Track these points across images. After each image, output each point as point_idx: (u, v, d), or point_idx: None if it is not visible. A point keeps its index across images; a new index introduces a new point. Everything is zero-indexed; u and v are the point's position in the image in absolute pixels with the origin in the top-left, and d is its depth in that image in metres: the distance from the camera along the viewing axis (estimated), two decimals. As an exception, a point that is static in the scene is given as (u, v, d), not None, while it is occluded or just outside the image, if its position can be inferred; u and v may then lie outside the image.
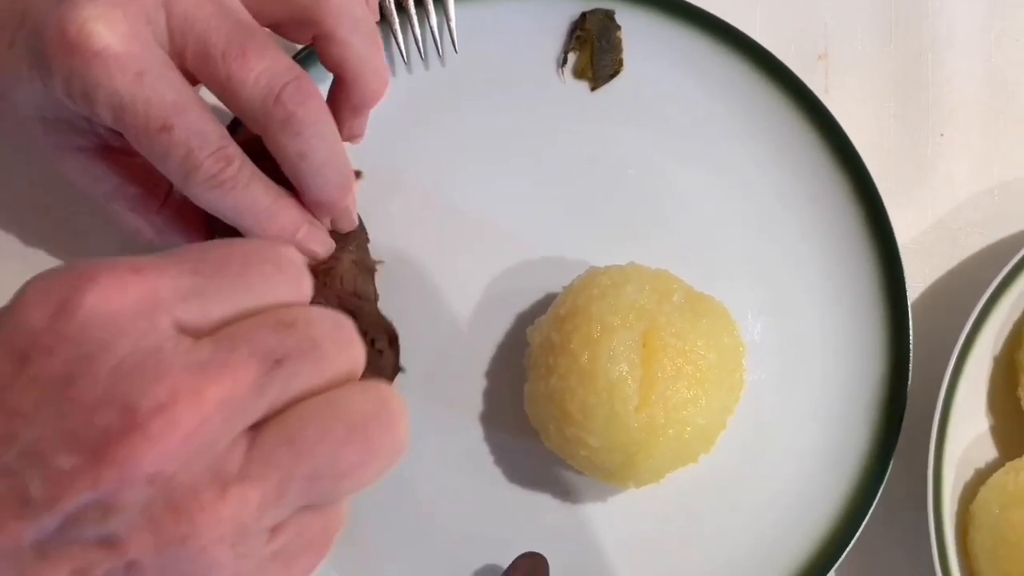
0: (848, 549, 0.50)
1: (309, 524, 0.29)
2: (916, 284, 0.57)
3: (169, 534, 0.25)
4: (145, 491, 0.25)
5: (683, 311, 0.48)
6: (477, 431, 0.53)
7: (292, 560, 0.30)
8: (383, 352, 0.49)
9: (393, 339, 0.49)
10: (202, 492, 0.26)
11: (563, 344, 0.47)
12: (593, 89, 0.57)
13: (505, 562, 0.50)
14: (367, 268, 0.50)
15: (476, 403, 0.53)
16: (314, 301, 0.45)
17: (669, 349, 0.46)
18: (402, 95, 0.56)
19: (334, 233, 0.49)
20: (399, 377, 0.48)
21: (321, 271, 0.47)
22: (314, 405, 0.28)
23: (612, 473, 0.48)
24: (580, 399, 0.46)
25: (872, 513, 0.51)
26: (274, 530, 0.28)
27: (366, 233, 0.51)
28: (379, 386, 0.30)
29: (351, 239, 0.50)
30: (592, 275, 0.50)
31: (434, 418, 0.52)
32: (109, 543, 0.25)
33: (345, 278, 0.48)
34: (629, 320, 0.47)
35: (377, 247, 0.51)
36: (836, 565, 0.50)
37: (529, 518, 0.52)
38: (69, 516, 0.25)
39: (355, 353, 0.30)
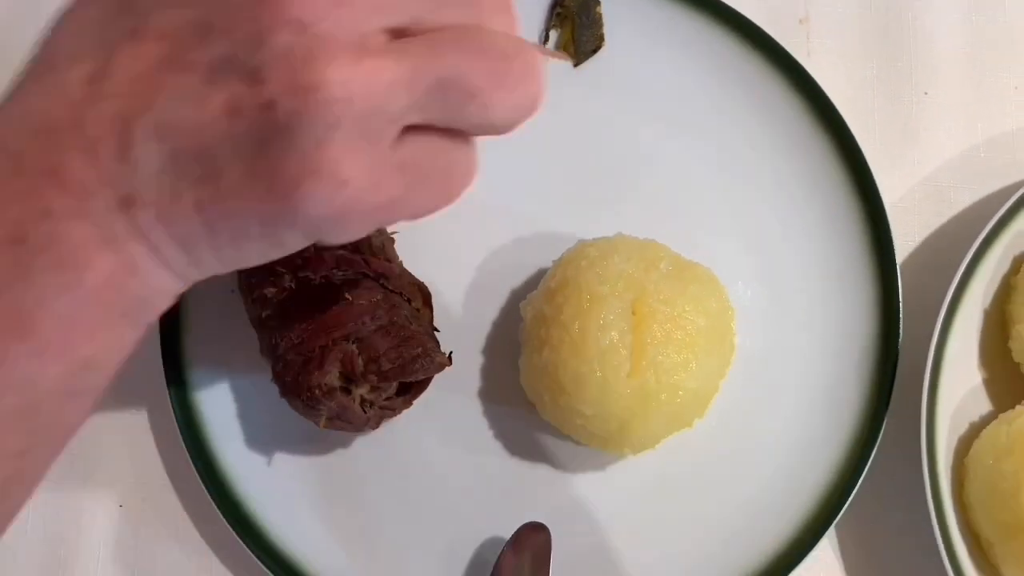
0: (845, 507, 0.51)
1: (436, 151, 0.30)
2: (906, 242, 0.57)
3: (303, 79, 0.26)
4: (289, 36, 0.26)
5: (671, 278, 0.48)
6: (475, 406, 0.54)
7: (415, 184, 0.30)
8: (420, 311, 0.50)
9: (427, 298, 0.51)
10: (340, 52, 0.26)
11: (554, 316, 0.48)
12: (576, 65, 0.58)
13: (507, 532, 0.50)
14: (388, 236, 0.52)
15: (474, 379, 0.54)
16: (343, 264, 0.47)
17: (658, 315, 0.47)
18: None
19: None
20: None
21: None
22: (458, 28, 0.29)
23: (607, 441, 0.49)
24: (572, 369, 0.47)
25: (868, 470, 0.51)
26: (401, 137, 0.28)
27: None
28: (528, 46, 0.30)
29: None
30: (581, 247, 0.51)
31: (433, 395, 0.52)
32: (254, 79, 0.27)
33: (374, 243, 0.50)
34: (618, 289, 0.47)
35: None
36: (834, 522, 0.51)
37: (529, 489, 0.53)
38: (234, 43, 0.27)
39: (510, 18, 0.31)
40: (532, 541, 0.50)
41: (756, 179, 0.56)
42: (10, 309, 0.29)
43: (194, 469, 0.51)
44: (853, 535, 0.54)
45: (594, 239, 0.51)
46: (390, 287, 0.49)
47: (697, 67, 0.57)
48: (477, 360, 0.55)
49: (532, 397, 0.51)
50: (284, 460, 0.53)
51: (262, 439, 0.53)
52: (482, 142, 0.32)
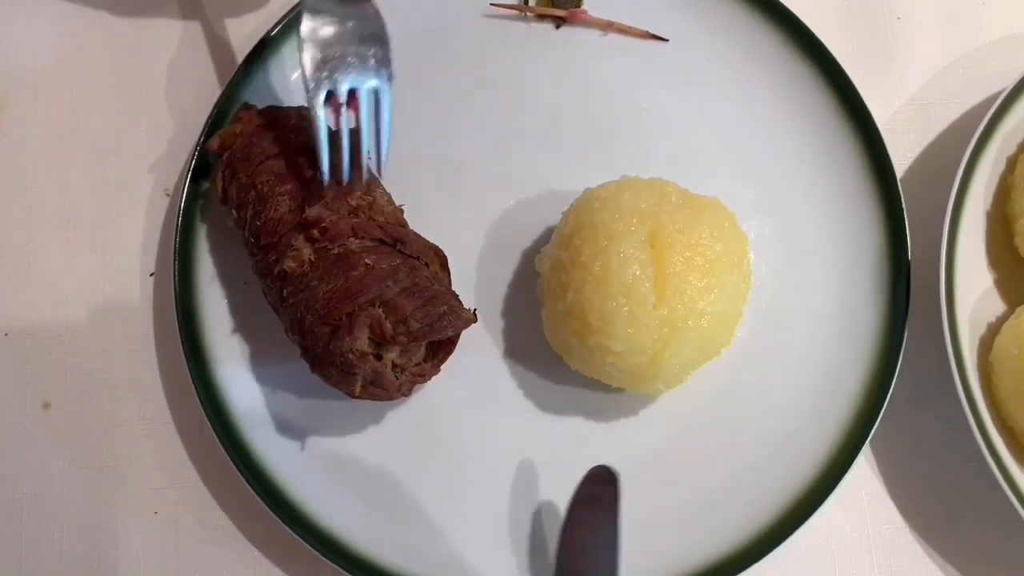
0: (878, 420, 0.51)
1: None
2: (900, 161, 0.58)
3: None
4: None
5: (683, 209, 0.49)
6: (502, 369, 0.54)
7: None
8: (438, 274, 0.50)
9: (444, 261, 0.51)
10: None
11: (573, 259, 0.48)
12: (558, 27, 0.59)
13: (546, 490, 0.51)
14: (398, 206, 0.52)
15: (497, 343, 0.54)
16: (360, 231, 0.48)
17: (677, 244, 0.47)
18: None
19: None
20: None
21: (365, 205, 0.49)
22: None
23: (640, 377, 0.49)
24: (598, 307, 0.47)
25: (895, 385, 0.52)
26: None
27: None
28: None
29: (376, 183, 0.52)
30: (590, 193, 0.51)
31: (460, 363, 0.52)
32: None
33: (386, 210, 0.50)
34: (633, 224, 0.48)
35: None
36: (869, 438, 0.51)
37: (566, 443, 0.53)
38: None
39: None
40: (599, 489, 0.47)
41: (751, 116, 0.57)
42: None
43: (232, 463, 0.51)
44: (889, 451, 0.54)
45: (600, 185, 0.52)
46: (407, 252, 0.49)
47: (679, 15, 0.58)
48: (498, 324, 0.55)
49: (558, 348, 0.51)
50: (318, 442, 0.52)
51: (293, 425, 0.52)
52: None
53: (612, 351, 0.47)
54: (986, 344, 0.53)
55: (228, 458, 0.51)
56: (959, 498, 0.54)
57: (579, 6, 0.59)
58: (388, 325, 0.46)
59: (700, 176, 0.55)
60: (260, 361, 0.53)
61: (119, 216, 0.58)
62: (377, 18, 0.49)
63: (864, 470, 0.54)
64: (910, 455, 0.54)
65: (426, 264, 0.50)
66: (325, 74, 0.48)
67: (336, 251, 0.48)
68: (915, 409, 0.55)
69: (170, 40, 0.60)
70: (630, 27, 0.58)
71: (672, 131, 0.57)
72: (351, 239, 0.48)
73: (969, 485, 0.53)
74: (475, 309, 0.50)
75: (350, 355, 0.46)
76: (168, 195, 0.58)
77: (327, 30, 0.48)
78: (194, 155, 0.54)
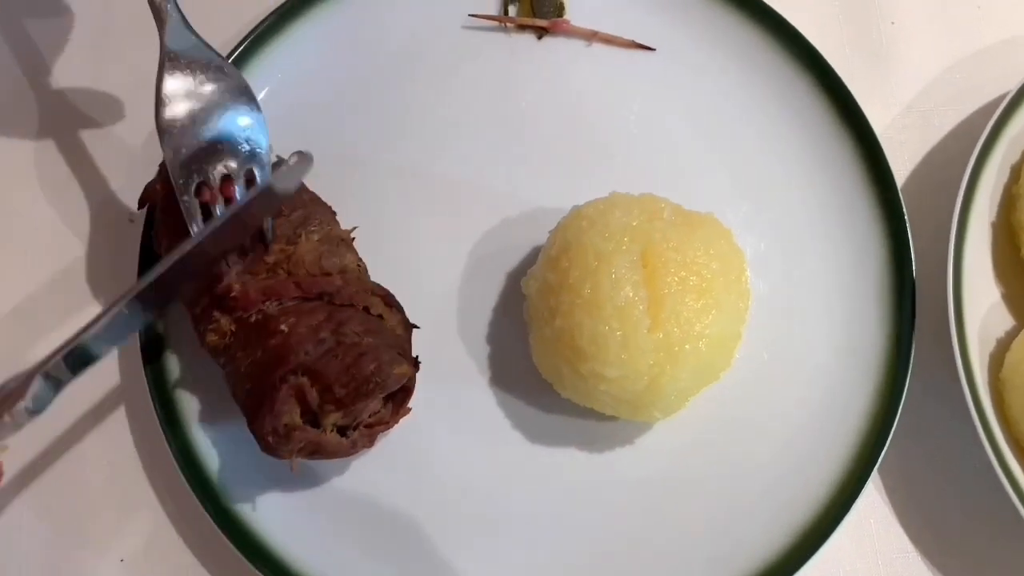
0: (887, 444, 0.49)
1: None
2: (899, 171, 0.56)
3: None
4: None
5: (676, 226, 0.46)
6: (488, 397, 0.51)
7: None
8: (383, 316, 0.47)
9: (389, 300, 0.47)
10: None
11: (561, 282, 0.46)
12: (540, 37, 0.56)
13: (540, 526, 0.47)
14: (338, 241, 0.48)
15: (482, 369, 0.51)
16: (272, 295, 0.44)
17: (671, 264, 0.44)
18: (363, 76, 0.55)
19: (288, 217, 0.47)
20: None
21: (283, 259, 0.45)
22: None
23: (635, 405, 0.46)
24: (589, 332, 0.44)
25: (905, 404, 0.49)
26: None
27: (330, 208, 0.49)
28: None
29: (311, 219, 0.47)
30: (577, 212, 0.48)
31: (443, 393, 0.50)
32: None
33: (307, 259, 0.46)
34: (624, 243, 0.45)
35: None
36: (878, 465, 0.49)
37: (557, 475, 0.50)
38: None
39: None
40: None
41: (743, 127, 0.55)
42: None
43: (202, 507, 0.47)
44: (897, 476, 0.51)
45: (588, 202, 0.49)
46: (337, 302, 0.45)
47: (666, 24, 0.56)
48: (483, 350, 0.52)
49: (548, 374, 0.48)
50: (293, 484, 0.49)
51: (268, 467, 0.48)
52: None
53: (605, 378, 0.45)
54: (996, 361, 0.50)
55: (198, 502, 0.48)
56: (973, 523, 0.51)
57: (562, 15, 0.56)
58: (314, 393, 0.43)
59: (692, 191, 0.52)
60: (231, 403, 0.50)
61: (81, 244, 0.54)
62: (245, 89, 0.46)
63: (872, 496, 0.51)
64: (920, 479, 0.52)
65: (365, 308, 0.46)
66: (194, 167, 0.44)
67: (253, 319, 0.44)
68: (923, 430, 0.52)
69: (137, 60, 0.57)
70: (615, 36, 0.56)
71: (662, 144, 0.54)
72: (265, 303, 0.44)
73: (983, 509, 0.51)
74: (417, 357, 0.46)
75: (270, 437, 0.43)
76: (132, 222, 0.55)
77: (191, 115, 0.45)
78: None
